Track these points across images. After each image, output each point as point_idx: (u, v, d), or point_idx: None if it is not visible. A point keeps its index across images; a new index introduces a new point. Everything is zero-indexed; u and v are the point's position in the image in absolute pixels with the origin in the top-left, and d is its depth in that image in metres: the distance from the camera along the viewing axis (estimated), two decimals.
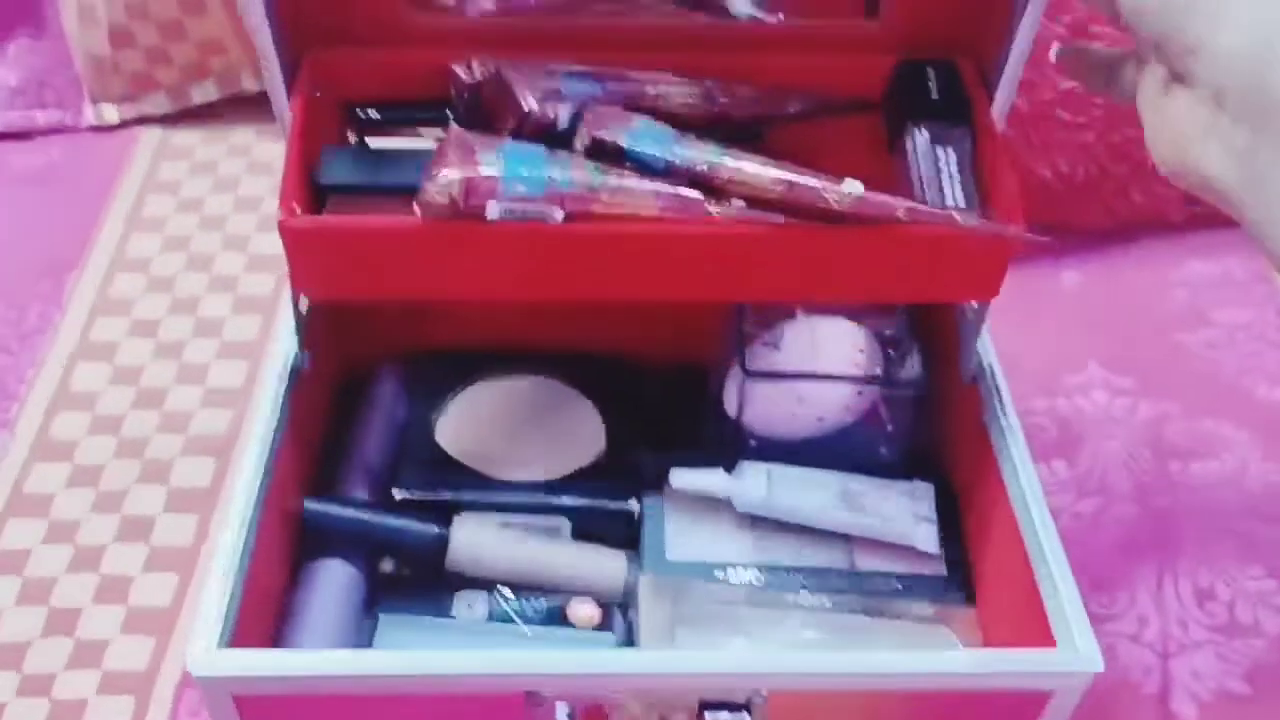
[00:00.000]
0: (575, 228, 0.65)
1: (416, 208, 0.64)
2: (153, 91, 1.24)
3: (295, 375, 0.75)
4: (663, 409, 0.86)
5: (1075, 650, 0.62)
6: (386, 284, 0.67)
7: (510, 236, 0.65)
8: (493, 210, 0.64)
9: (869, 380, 0.81)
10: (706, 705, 0.62)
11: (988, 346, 0.78)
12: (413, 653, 0.61)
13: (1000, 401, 0.75)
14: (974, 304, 0.75)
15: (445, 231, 0.64)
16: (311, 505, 0.73)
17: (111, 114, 1.24)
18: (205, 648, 0.60)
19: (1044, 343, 1.06)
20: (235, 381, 1.01)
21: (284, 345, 0.75)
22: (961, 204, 0.68)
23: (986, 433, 0.75)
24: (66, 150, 1.23)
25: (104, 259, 1.11)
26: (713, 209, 0.65)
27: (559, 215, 0.65)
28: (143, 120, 1.25)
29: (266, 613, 0.70)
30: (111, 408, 0.99)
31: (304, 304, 0.75)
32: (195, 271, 1.10)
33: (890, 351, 0.83)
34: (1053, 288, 1.12)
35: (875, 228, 0.65)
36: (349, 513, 0.74)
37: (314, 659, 0.62)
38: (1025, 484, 0.71)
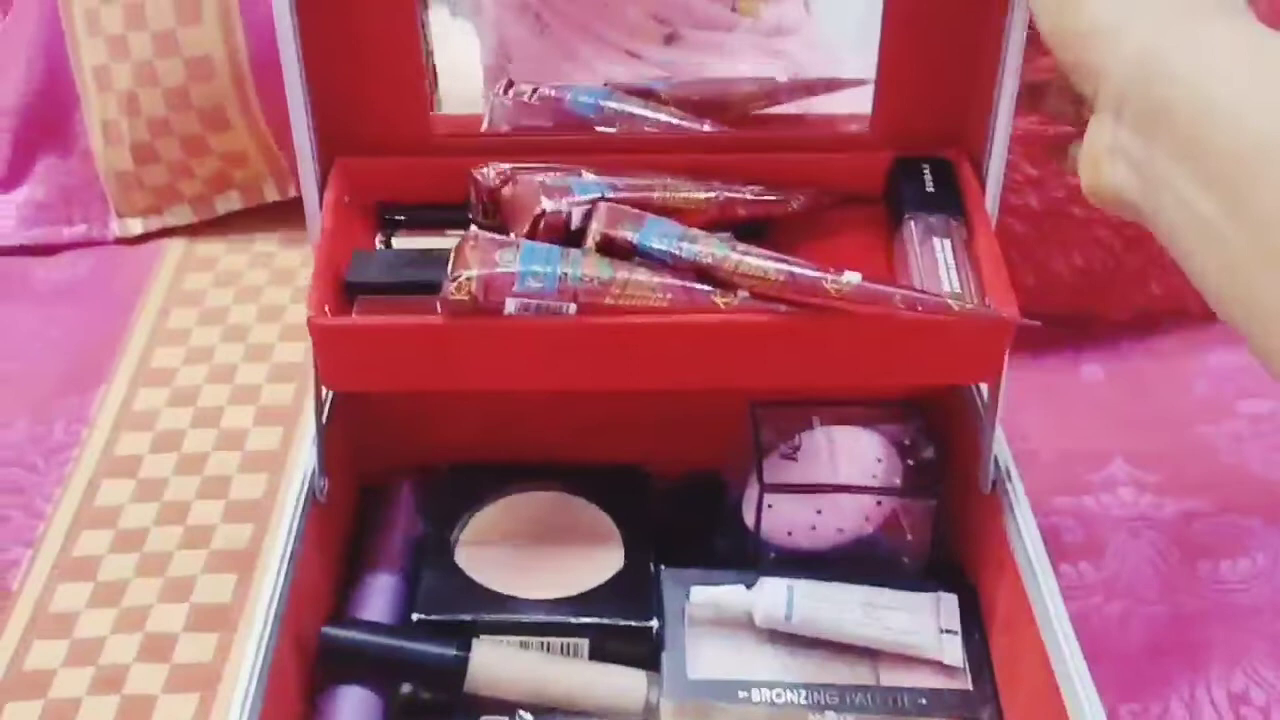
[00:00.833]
0: (586, 320, 0.69)
1: (439, 305, 0.68)
2: (176, 204, 1.26)
3: (312, 497, 0.76)
4: (681, 519, 0.86)
5: None
6: (411, 378, 0.72)
7: (525, 329, 0.69)
8: (510, 305, 0.68)
9: (888, 491, 0.81)
10: None
11: (1004, 449, 0.78)
12: None
13: (1017, 507, 0.75)
14: (985, 399, 0.76)
15: (465, 327, 0.68)
16: (329, 631, 0.73)
17: (136, 226, 1.26)
18: None
19: (1065, 438, 1.05)
20: (257, 494, 1.01)
21: (304, 462, 0.76)
22: (957, 290, 0.70)
23: (1006, 538, 0.75)
24: (92, 264, 1.25)
25: (129, 372, 1.13)
26: (719, 300, 0.68)
27: (572, 309, 0.68)
28: (167, 232, 1.27)
29: None
30: (134, 522, 0.99)
31: (324, 416, 0.76)
32: (218, 383, 1.11)
33: (909, 460, 0.83)
34: (1073, 382, 1.11)
35: (874, 314, 0.68)
36: (367, 637, 0.74)
37: None
38: (1046, 593, 0.70)
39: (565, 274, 0.68)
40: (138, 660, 0.90)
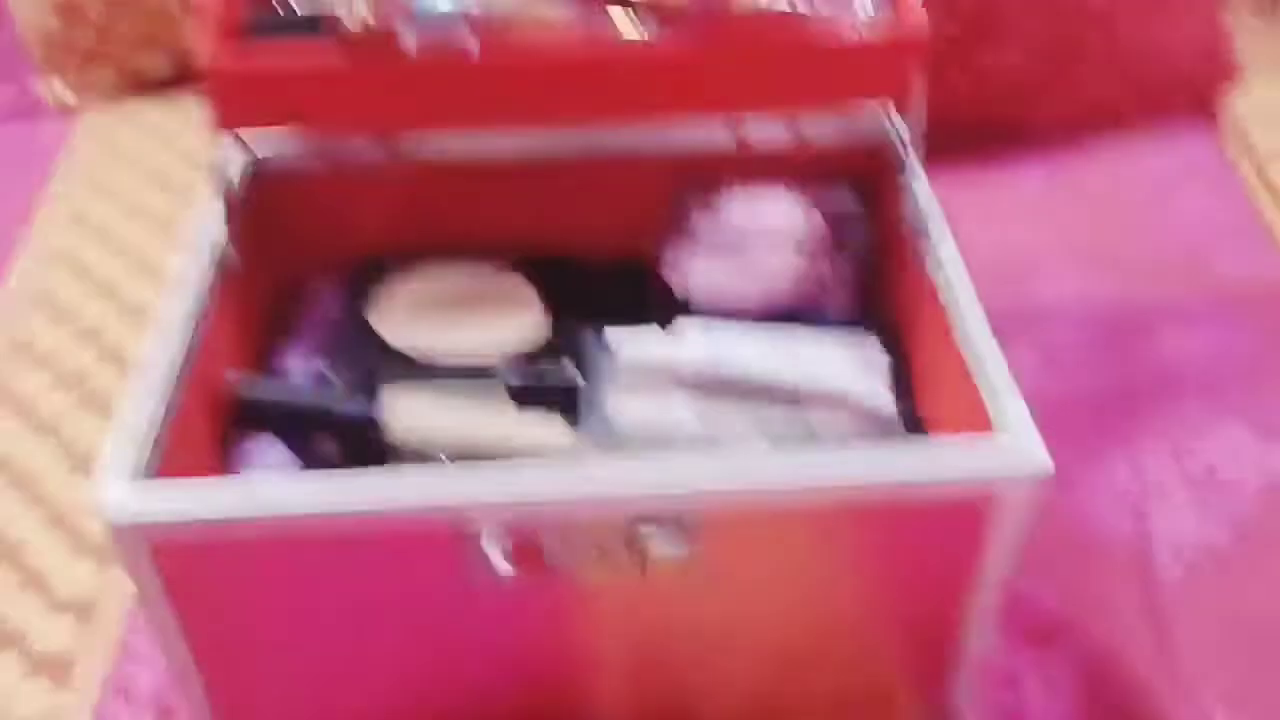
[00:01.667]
0: (488, 58, 0.67)
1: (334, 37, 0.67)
2: (102, 64, 1.24)
3: (223, 266, 0.74)
4: (607, 299, 0.85)
5: (1017, 440, 0.60)
6: (306, 114, 0.71)
7: (423, 66, 0.67)
8: (408, 37, 0.65)
9: (813, 247, 0.79)
10: (641, 519, 0.60)
11: (923, 185, 0.76)
12: (334, 481, 0.58)
13: (941, 245, 0.73)
14: (908, 145, 0.74)
15: (364, 58, 0.67)
16: (239, 387, 0.71)
17: (62, 89, 1.24)
18: (118, 483, 0.58)
19: (1005, 240, 1.04)
20: None
21: (208, 229, 0.74)
22: (870, 12, 0.68)
23: (929, 277, 0.73)
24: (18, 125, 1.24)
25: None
26: (620, 24, 0.66)
27: (473, 42, 0.66)
28: (91, 92, 1.25)
29: None
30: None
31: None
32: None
33: (832, 217, 0.81)
34: (1012, 187, 1.10)
35: (781, 34, 0.67)
36: (281, 392, 0.72)
37: (233, 492, 0.59)
38: (972, 322, 0.69)
39: (465, 3, 0.67)
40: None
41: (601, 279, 0.87)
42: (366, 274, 0.84)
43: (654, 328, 0.76)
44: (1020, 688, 0.75)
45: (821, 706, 0.71)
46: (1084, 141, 1.12)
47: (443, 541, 0.60)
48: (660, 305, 0.82)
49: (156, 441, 0.62)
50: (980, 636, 0.66)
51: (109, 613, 0.82)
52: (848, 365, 0.76)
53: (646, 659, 0.67)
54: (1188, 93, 1.09)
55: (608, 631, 0.65)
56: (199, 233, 0.74)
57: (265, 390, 0.72)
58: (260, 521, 0.58)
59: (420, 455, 0.72)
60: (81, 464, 0.91)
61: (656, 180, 0.83)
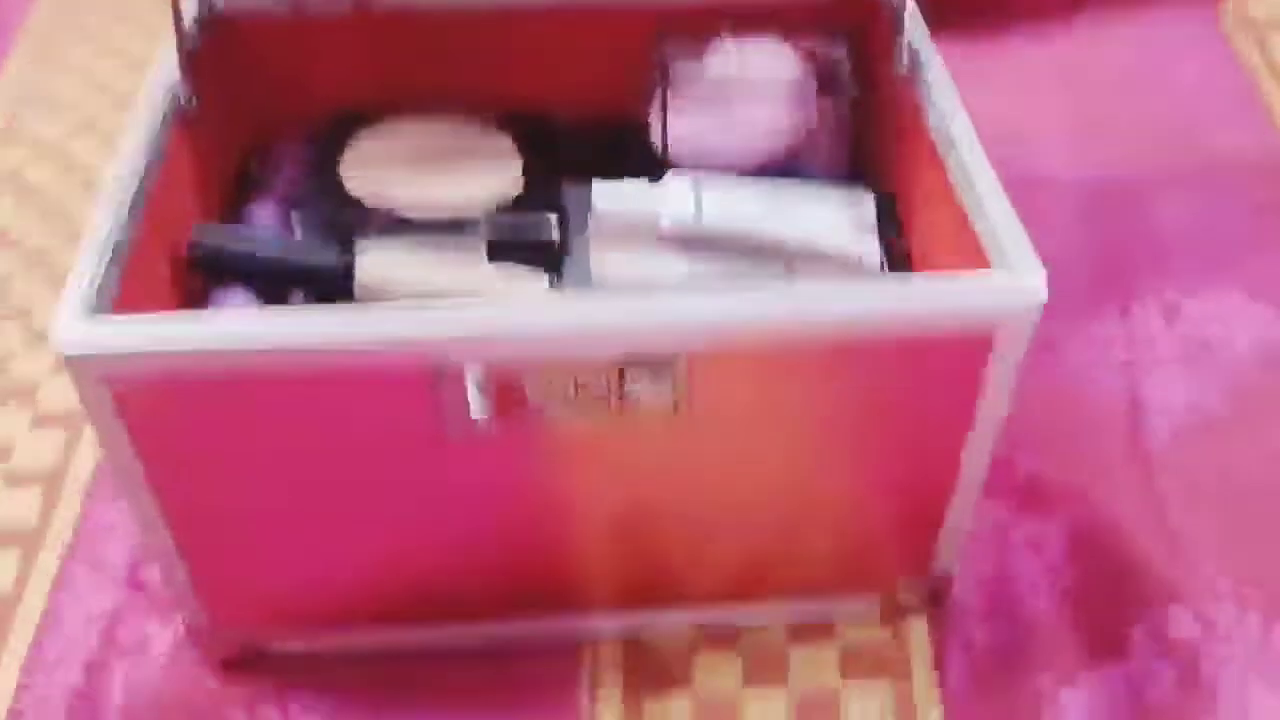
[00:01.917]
0: None
1: None
2: None
3: (181, 113, 0.70)
4: (587, 158, 0.82)
5: (1016, 273, 0.58)
6: None
7: None
8: None
9: (802, 94, 0.76)
10: (628, 359, 0.57)
11: (923, 38, 0.73)
12: (300, 315, 0.55)
13: (934, 90, 0.70)
14: None
15: None
16: (201, 237, 0.68)
17: None
18: (72, 319, 0.55)
19: (994, 111, 1.02)
20: None
21: (165, 78, 0.70)
22: None
23: (925, 124, 0.71)
24: None
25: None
26: None
27: None
28: None
29: None
30: None
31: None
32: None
33: (820, 64, 0.78)
34: (999, 58, 1.07)
35: None
36: (246, 243, 0.69)
37: (192, 325, 0.56)
38: (974, 170, 0.66)
39: None
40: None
41: (580, 136, 0.84)
42: (335, 129, 0.80)
43: (638, 182, 0.73)
44: (1008, 552, 0.73)
45: (809, 572, 0.70)
46: (1074, 13, 1.09)
47: (417, 381, 0.57)
48: (642, 164, 0.79)
49: (110, 281, 0.58)
50: (971, 490, 0.65)
51: (74, 485, 0.79)
52: (840, 222, 0.74)
53: (631, 513, 0.66)
54: None
55: (591, 481, 0.63)
56: (155, 81, 0.70)
57: (228, 239, 0.69)
58: (221, 355, 0.55)
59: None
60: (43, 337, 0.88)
61: (637, 31, 0.80)
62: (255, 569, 0.66)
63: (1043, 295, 0.57)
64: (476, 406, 0.58)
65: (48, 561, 0.75)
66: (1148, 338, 0.82)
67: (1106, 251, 0.89)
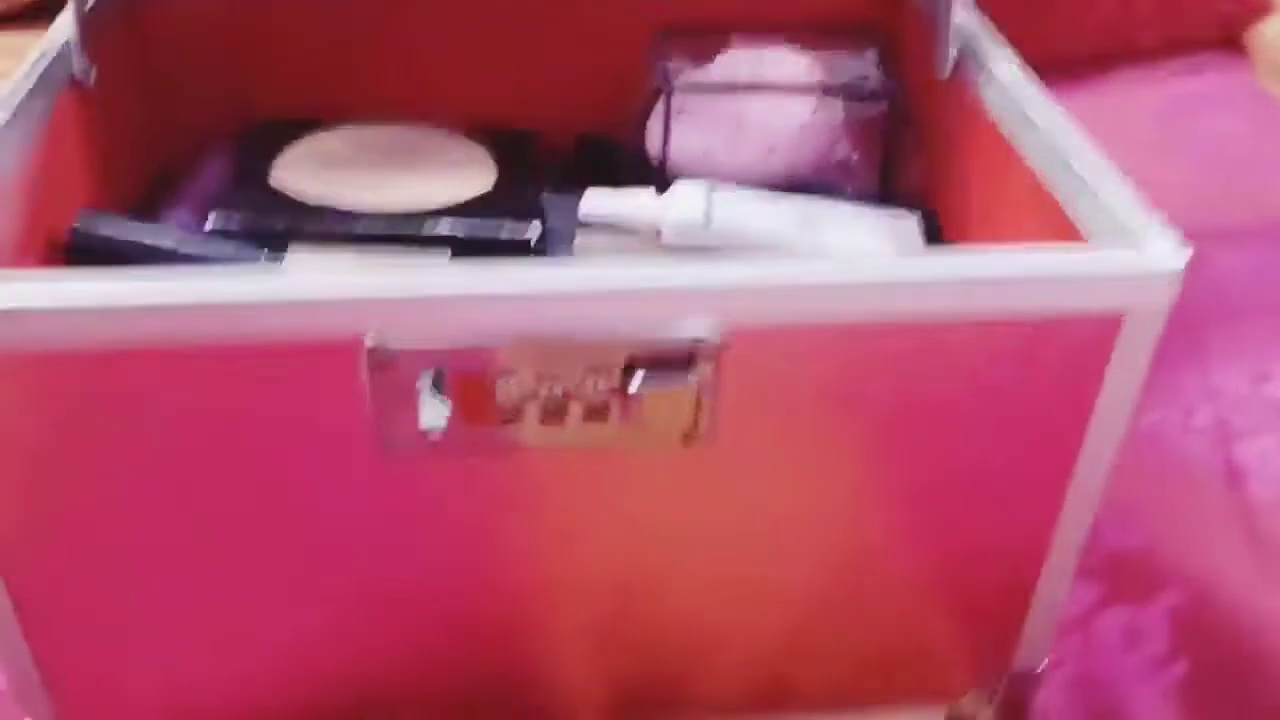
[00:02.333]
0: None
1: None
2: None
3: (76, 85, 0.57)
4: (572, 174, 0.69)
5: (1143, 243, 0.44)
6: None
7: None
8: None
9: (826, 90, 0.65)
10: (637, 362, 0.43)
11: (977, 23, 0.61)
12: (214, 279, 0.41)
13: (988, 86, 0.58)
14: None
15: None
16: (83, 225, 0.54)
17: None
18: None
19: None
20: None
21: (60, 38, 0.57)
22: None
23: (985, 121, 0.58)
24: None
25: None
26: None
27: None
28: None
29: None
30: None
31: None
32: None
33: (846, 69, 0.67)
34: None
35: None
36: (140, 232, 0.54)
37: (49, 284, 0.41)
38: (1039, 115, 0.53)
39: None
40: None
41: (564, 155, 0.71)
42: (275, 131, 0.66)
43: (637, 189, 0.60)
44: (1099, 646, 0.58)
45: (854, 673, 0.54)
46: (1105, 69, 1.00)
47: (342, 374, 0.42)
48: (633, 181, 0.67)
49: None
50: (1074, 544, 0.49)
51: None
52: (879, 243, 0.61)
53: (626, 579, 0.50)
54: (1214, 28, 0.97)
55: (575, 527, 0.48)
56: (50, 41, 0.57)
57: (119, 229, 0.54)
58: (72, 319, 0.40)
59: None
60: None
61: (631, 34, 0.68)
62: (122, 654, 0.50)
63: (1180, 264, 0.44)
64: (428, 412, 0.43)
65: None
66: (1236, 400, 0.69)
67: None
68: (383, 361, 0.42)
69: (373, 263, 0.56)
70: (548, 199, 0.62)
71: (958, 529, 0.49)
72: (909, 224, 0.62)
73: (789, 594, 0.51)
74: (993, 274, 0.43)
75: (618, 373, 0.43)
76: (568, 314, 0.42)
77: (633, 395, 0.43)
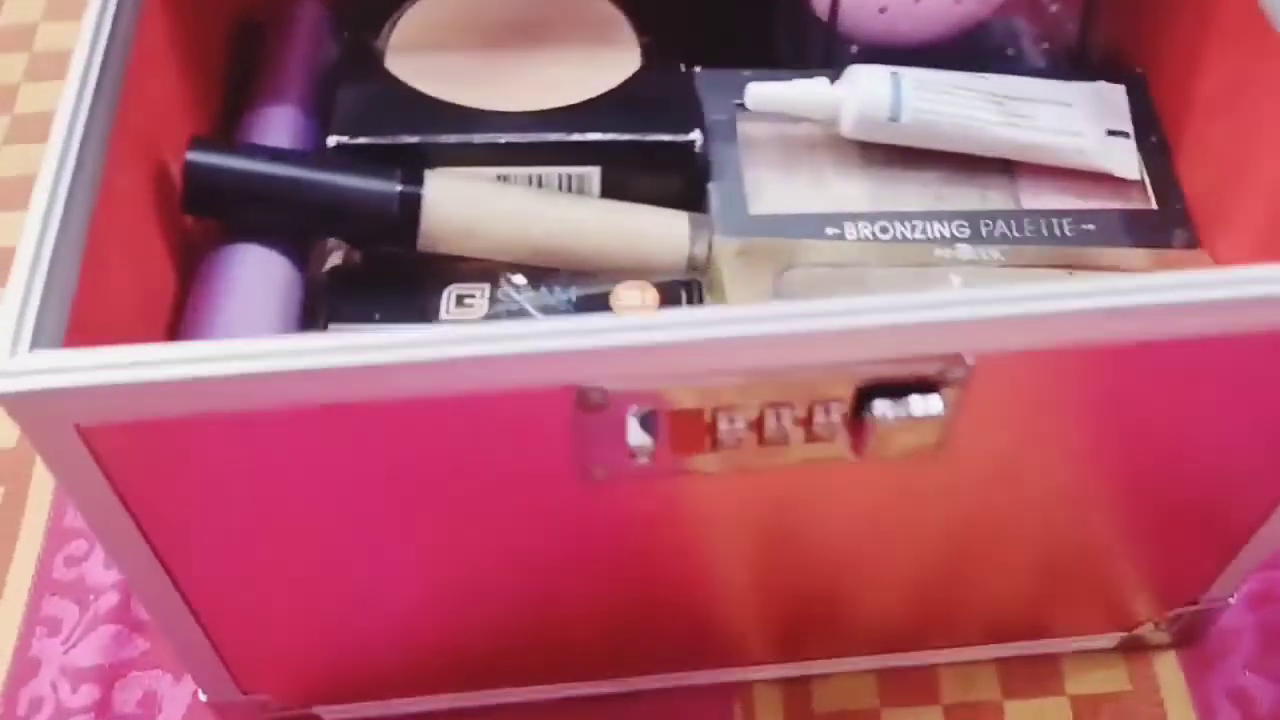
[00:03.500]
0: None
1: None
2: None
3: None
4: (722, 20, 0.59)
5: None
6: None
7: None
8: None
9: None
10: (870, 390, 0.38)
11: None
12: (371, 336, 0.35)
13: None
14: None
15: None
16: (198, 156, 0.47)
17: None
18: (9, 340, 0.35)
19: None
20: None
21: None
22: None
23: None
24: None
25: None
26: None
27: None
28: None
29: (137, 321, 0.44)
30: None
31: None
32: None
33: None
34: None
35: None
36: (266, 167, 0.48)
37: (209, 350, 0.36)
38: None
39: None
40: None
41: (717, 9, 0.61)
42: None
43: (817, 81, 0.52)
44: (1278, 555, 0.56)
45: (1037, 608, 0.52)
46: None
47: (552, 418, 0.37)
48: (794, 24, 0.58)
49: (63, 262, 0.38)
50: None
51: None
52: (1082, 121, 0.53)
53: (829, 568, 0.47)
54: None
55: (786, 534, 0.44)
56: None
57: (234, 166, 0.47)
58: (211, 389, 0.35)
59: (472, 266, 0.49)
60: None
61: None
62: (302, 632, 0.48)
63: None
64: (637, 443, 0.39)
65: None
66: None
67: None
68: (591, 403, 0.37)
69: (517, 190, 0.49)
70: (701, 77, 0.54)
71: (1182, 495, 0.46)
72: (1116, 95, 0.54)
73: (1004, 560, 0.48)
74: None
75: (849, 401, 0.38)
76: (800, 357, 0.36)
77: (867, 422, 0.38)
